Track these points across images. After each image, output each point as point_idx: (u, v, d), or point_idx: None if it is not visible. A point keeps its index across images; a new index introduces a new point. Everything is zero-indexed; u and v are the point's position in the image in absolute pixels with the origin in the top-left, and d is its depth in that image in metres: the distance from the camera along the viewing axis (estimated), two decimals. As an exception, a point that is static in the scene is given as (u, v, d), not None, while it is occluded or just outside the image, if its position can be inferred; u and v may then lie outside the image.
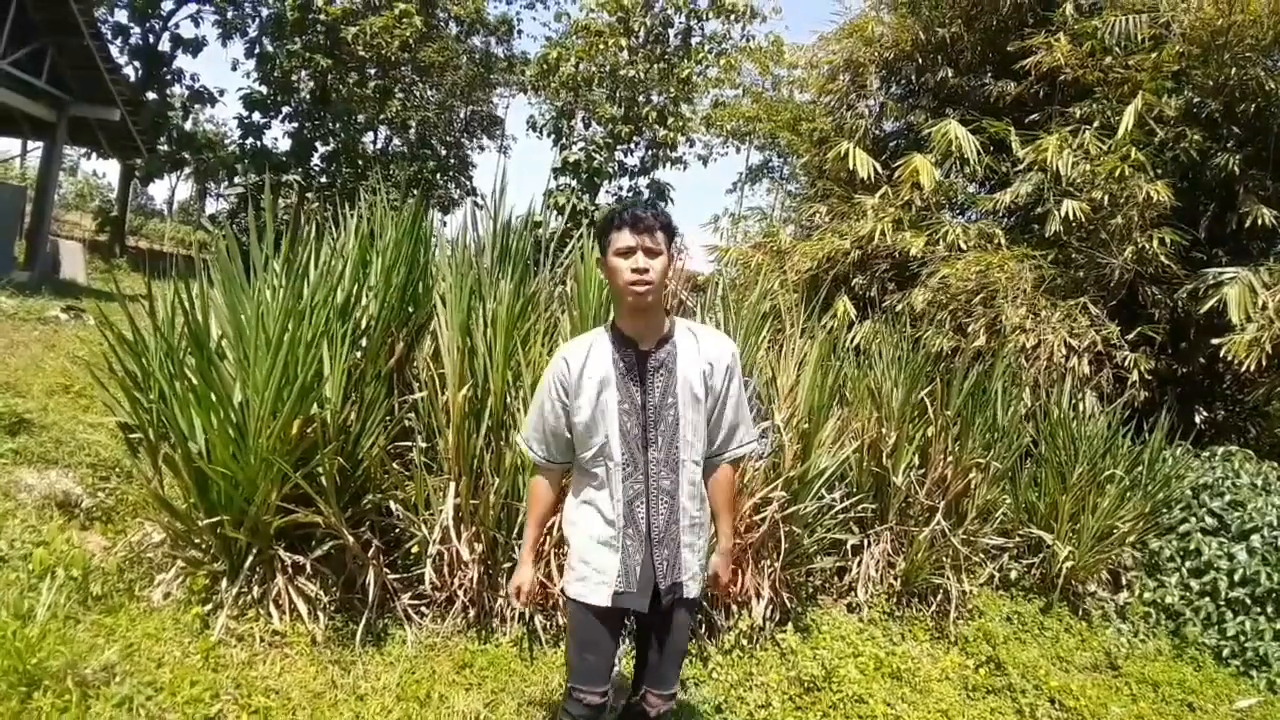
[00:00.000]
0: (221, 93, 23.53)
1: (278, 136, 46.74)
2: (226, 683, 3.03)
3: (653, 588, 2.39)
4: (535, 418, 2.50)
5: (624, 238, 2.27)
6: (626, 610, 2.45)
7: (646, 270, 2.25)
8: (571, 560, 2.48)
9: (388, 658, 3.49)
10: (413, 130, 26.10)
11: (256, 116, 20.90)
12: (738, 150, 20.75)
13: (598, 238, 2.41)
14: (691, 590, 2.44)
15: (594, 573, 2.40)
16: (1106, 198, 7.22)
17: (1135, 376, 7.08)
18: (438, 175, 25.82)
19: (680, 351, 2.38)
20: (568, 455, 2.47)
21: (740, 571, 4.09)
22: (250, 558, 3.44)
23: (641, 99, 18.39)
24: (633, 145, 18.80)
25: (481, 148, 32.27)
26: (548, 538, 3.79)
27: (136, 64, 21.80)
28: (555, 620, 3.84)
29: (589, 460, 2.40)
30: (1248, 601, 5.52)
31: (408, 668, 3.43)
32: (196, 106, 23.98)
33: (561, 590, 2.64)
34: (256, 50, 21.20)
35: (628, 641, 2.94)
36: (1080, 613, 5.65)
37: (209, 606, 3.39)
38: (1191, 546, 5.86)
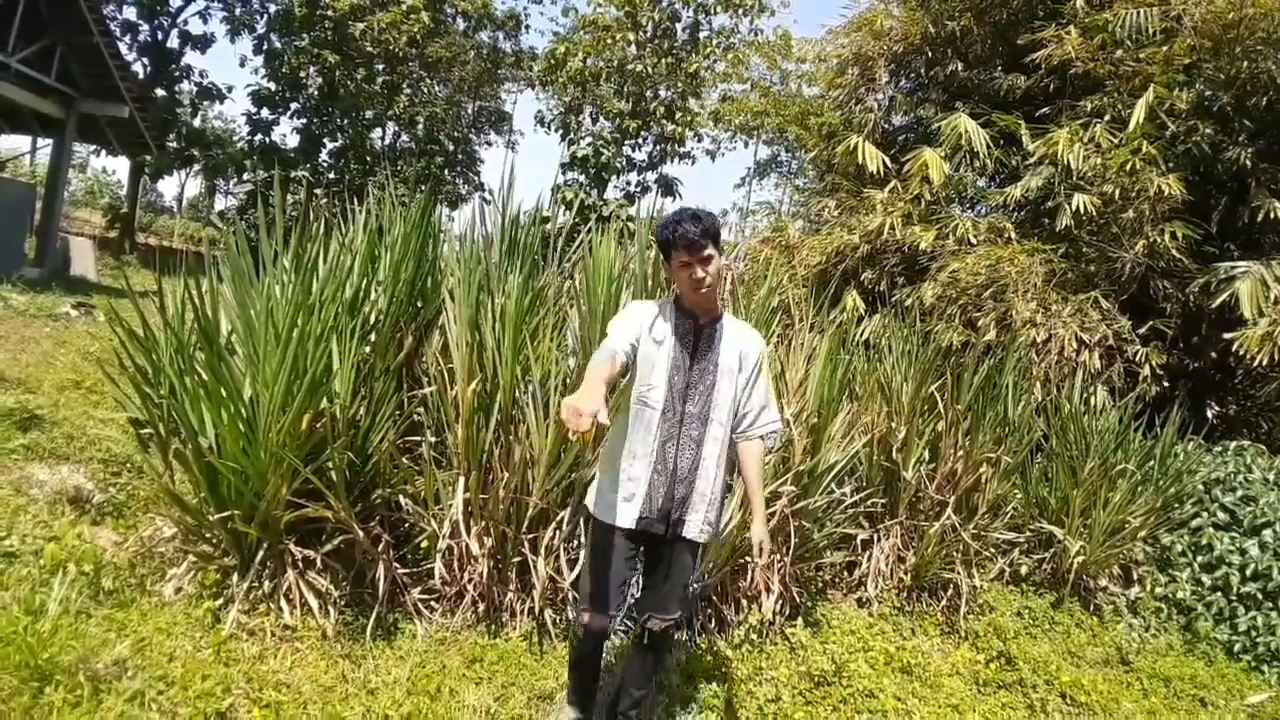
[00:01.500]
0: (230, 89, 23.68)
1: (286, 133, 47.00)
2: (238, 677, 3.03)
3: (667, 518, 2.83)
4: (624, 325, 2.83)
5: (681, 256, 2.77)
6: (641, 539, 2.86)
7: (704, 278, 2.78)
8: (602, 487, 2.91)
9: (398, 652, 3.50)
10: (420, 126, 26.11)
11: (265, 113, 20.96)
12: (746, 145, 20.72)
13: (660, 249, 2.90)
14: (692, 532, 2.86)
15: (622, 500, 2.82)
16: (1117, 191, 7.18)
17: (1147, 371, 7.04)
18: (445, 170, 25.86)
19: (726, 333, 2.92)
20: (627, 365, 2.77)
21: (750, 565, 4.12)
22: (261, 552, 3.45)
23: (649, 94, 18.35)
24: (640, 140, 18.75)
25: (489, 143, 32.31)
26: (557, 532, 3.80)
27: (145, 61, 21.87)
28: (565, 615, 3.84)
29: (637, 398, 2.83)
30: (1259, 596, 5.50)
31: (418, 662, 3.44)
32: (205, 103, 24.09)
33: (586, 520, 3.00)
34: (265, 46, 21.24)
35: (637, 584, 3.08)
36: (1091, 608, 5.63)
37: (220, 601, 3.40)
38: (1203, 541, 5.83)
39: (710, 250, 2.76)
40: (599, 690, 3.19)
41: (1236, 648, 5.40)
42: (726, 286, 4.56)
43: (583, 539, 3.81)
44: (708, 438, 2.85)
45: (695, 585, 3.05)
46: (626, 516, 2.82)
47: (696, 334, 2.88)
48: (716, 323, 2.92)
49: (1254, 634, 5.40)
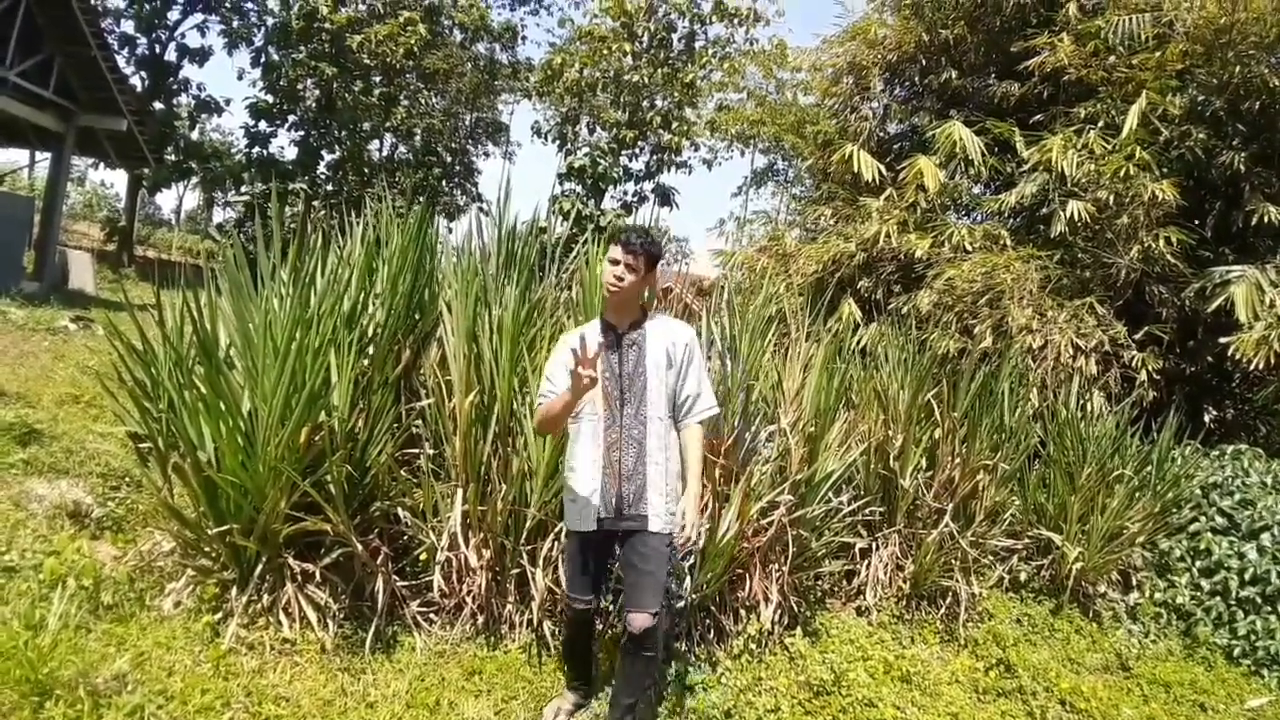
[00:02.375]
0: (228, 102, 23.80)
1: (284, 145, 47.06)
2: (237, 691, 3.04)
3: (621, 514, 3.07)
4: (550, 371, 3.18)
5: (615, 251, 3.07)
6: (610, 535, 3.12)
7: (621, 279, 3.06)
8: (565, 498, 3.20)
9: (397, 665, 3.50)
10: (418, 137, 26.15)
11: (263, 125, 20.99)
12: (742, 154, 20.77)
13: (604, 243, 3.18)
14: (654, 524, 3.05)
15: (580, 508, 3.10)
16: (1112, 197, 7.21)
17: (1143, 376, 7.06)
18: (443, 182, 25.87)
19: (649, 334, 3.16)
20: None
21: (748, 575, 4.12)
22: (260, 566, 3.46)
23: (646, 104, 18.42)
24: (637, 150, 18.81)
25: (486, 154, 32.32)
26: (555, 543, 3.80)
27: (143, 74, 21.95)
28: (563, 627, 3.84)
29: (581, 413, 3.09)
30: (1259, 600, 5.50)
31: (417, 674, 3.44)
32: (203, 116, 24.18)
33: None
34: (262, 59, 21.30)
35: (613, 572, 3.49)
36: (1090, 614, 5.63)
37: (219, 615, 3.41)
38: (1202, 546, 5.84)
39: (636, 261, 3.04)
40: (595, 680, 3.46)
41: (1236, 652, 5.40)
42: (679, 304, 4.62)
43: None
44: (649, 433, 3.09)
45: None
46: (587, 521, 3.09)
47: (619, 341, 3.14)
48: (637, 328, 3.16)
49: (1253, 638, 5.40)
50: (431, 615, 3.81)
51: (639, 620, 3.00)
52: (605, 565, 3.29)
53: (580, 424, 3.13)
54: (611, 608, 3.80)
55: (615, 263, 3.07)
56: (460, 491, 3.78)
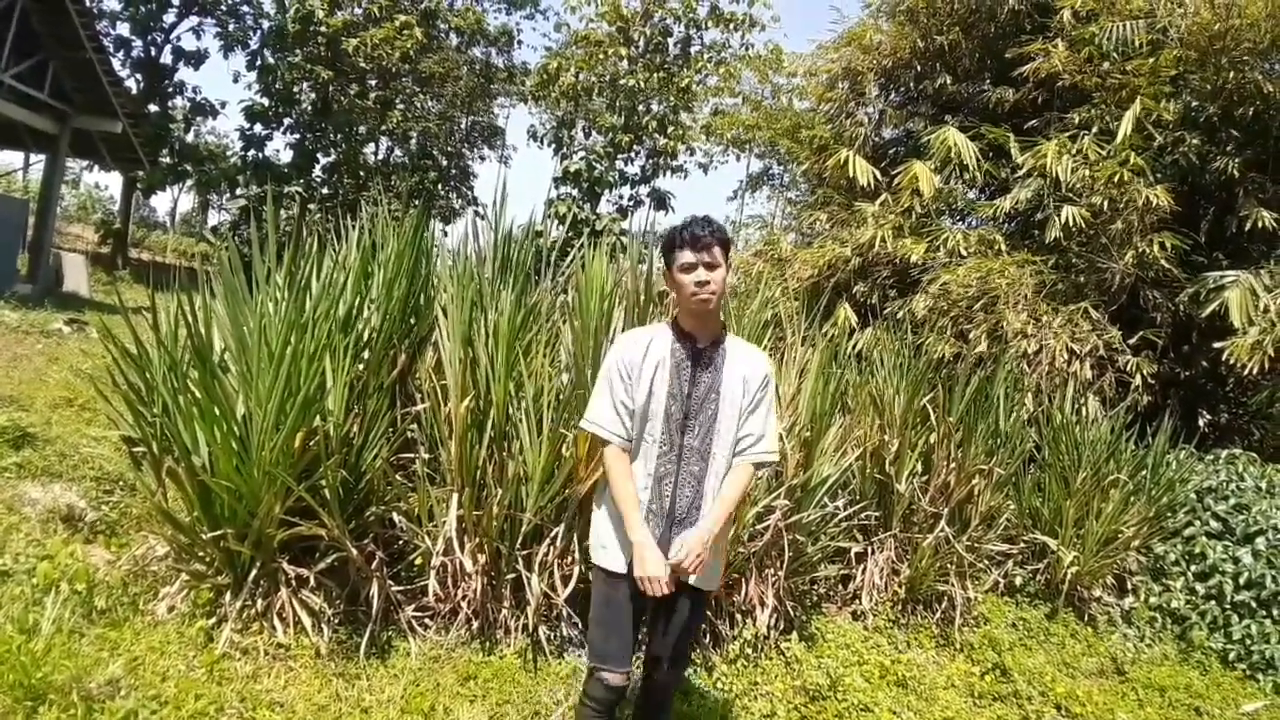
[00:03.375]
0: (223, 105, 23.84)
1: (279, 148, 46.73)
2: (231, 696, 3.03)
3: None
4: (606, 398, 2.62)
5: (685, 256, 2.53)
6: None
7: (708, 283, 2.52)
8: (599, 530, 2.67)
9: (392, 670, 3.49)
10: (414, 141, 26.18)
11: (258, 128, 21.01)
12: (738, 158, 20.76)
13: (662, 253, 2.66)
14: (697, 580, 2.56)
15: (621, 544, 2.58)
16: (1106, 203, 7.23)
17: (1138, 381, 7.08)
18: (439, 186, 25.88)
19: (729, 355, 2.65)
20: (635, 433, 2.61)
21: (744, 580, 4.12)
22: (254, 571, 3.45)
23: (641, 108, 18.44)
24: (633, 154, 18.84)
25: (482, 158, 32.34)
26: (551, 548, 3.79)
27: (138, 77, 21.95)
28: (559, 631, 3.84)
29: (636, 432, 2.60)
30: (1253, 605, 5.52)
31: (412, 680, 3.43)
32: (198, 119, 24.16)
33: (586, 565, 2.78)
34: (258, 62, 21.30)
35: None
36: (1086, 618, 5.64)
37: (213, 620, 3.39)
38: (1196, 550, 5.85)
39: (716, 254, 2.54)
40: None
41: (1231, 656, 5.41)
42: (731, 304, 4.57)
43: (576, 555, 3.81)
44: (709, 473, 2.59)
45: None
46: (617, 559, 2.60)
47: (695, 359, 2.61)
48: (718, 345, 2.65)
49: (1248, 642, 5.41)
50: (426, 620, 3.80)
51: (672, 677, 2.74)
52: (640, 622, 2.70)
53: (640, 447, 2.62)
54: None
55: (691, 267, 2.52)
56: (455, 496, 3.77)
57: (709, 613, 4.13)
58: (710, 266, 2.53)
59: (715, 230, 2.55)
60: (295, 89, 20.86)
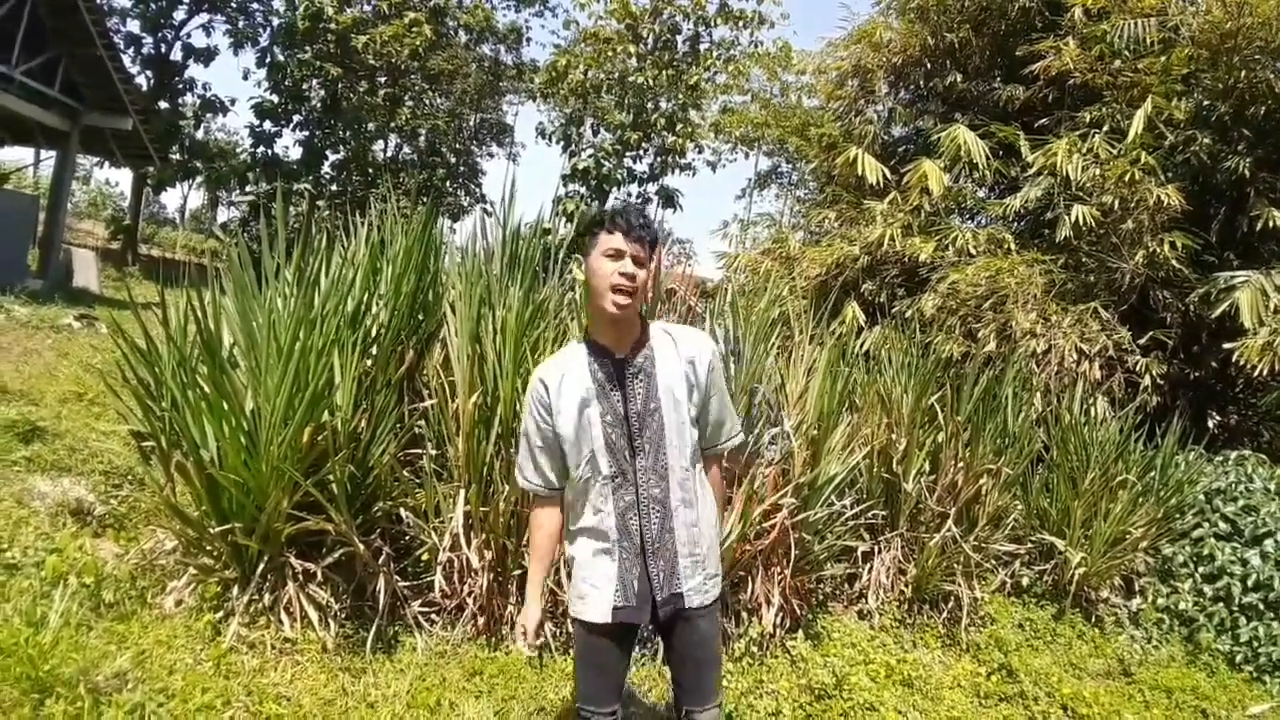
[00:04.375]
0: (233, 102, 23.78)
1: (289, 145, 47.17)
2: (238, 690, 3.04)
3: (651, 601, 2.34)
4: (524, 447, 2.42)
5: (615, 240, 2.23)
6: (632, 626, 2.40)
7: (634, 278, 2.22)
8: (573, 580, 2.43)
9: (398, 665, 3.50)
10: (422, 138, 26.19)
11: (268, 125, 21.04)
12: (746, 156, 20.71)
13: (582, 235, 2.40)
14: (694, 600, 2.36)
15: (592, 589, 2.35)
16: (1117, 202, 7.19)
17: (1147, 381, 7.04)
18: (447, 183, 25.91)
19: (658, 355, 2.35)
20: (563, 478, 2.40)
21: (750, 578, 4.11)
22: (261, 565, 3.46)
23: (650, 105, 18.41)
24: (641, 152, 18.81)
25: (491, 155, 32.38)
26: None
27: (149, 73, 22.00)
28: (565, 627, 3.84)
29: (579, 477, 2.33)
30: (1261, 607, 5.48)
31: (418, 675, 3.44)
32: (208, 115, 24.15)
33: (564, 611, 2.55)
34: (268, 59, 21.32)
35: (646, 654, 2.86)
36: (1093, 619, 5.61)
37: (220, 614, 3.41)
38: (1205, 552, 5.82)
39: (644, 251, 2.25)
40: None
41: (1238, 658, 5.38)
42: (683, 305, 4.53)
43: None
44: (671, 492, 2.33)
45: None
46: (600, 610, 2.33)
47: (620, 373, 2.31)
48: (640, 349, 2.34)
49: (1256, 645, 5.38)
50: (433, 616, 3.81)
51: (709, 717, 2.45)
52: (628, 662, 2.52)
53: (583, 489, 2.34)
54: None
55: (619, 255, 2.22)
56: (463, 492, 3.78)
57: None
58: (638, 262, 2.23)
59: (650, 226, 2.28)
60: (304, 86, 20.89)
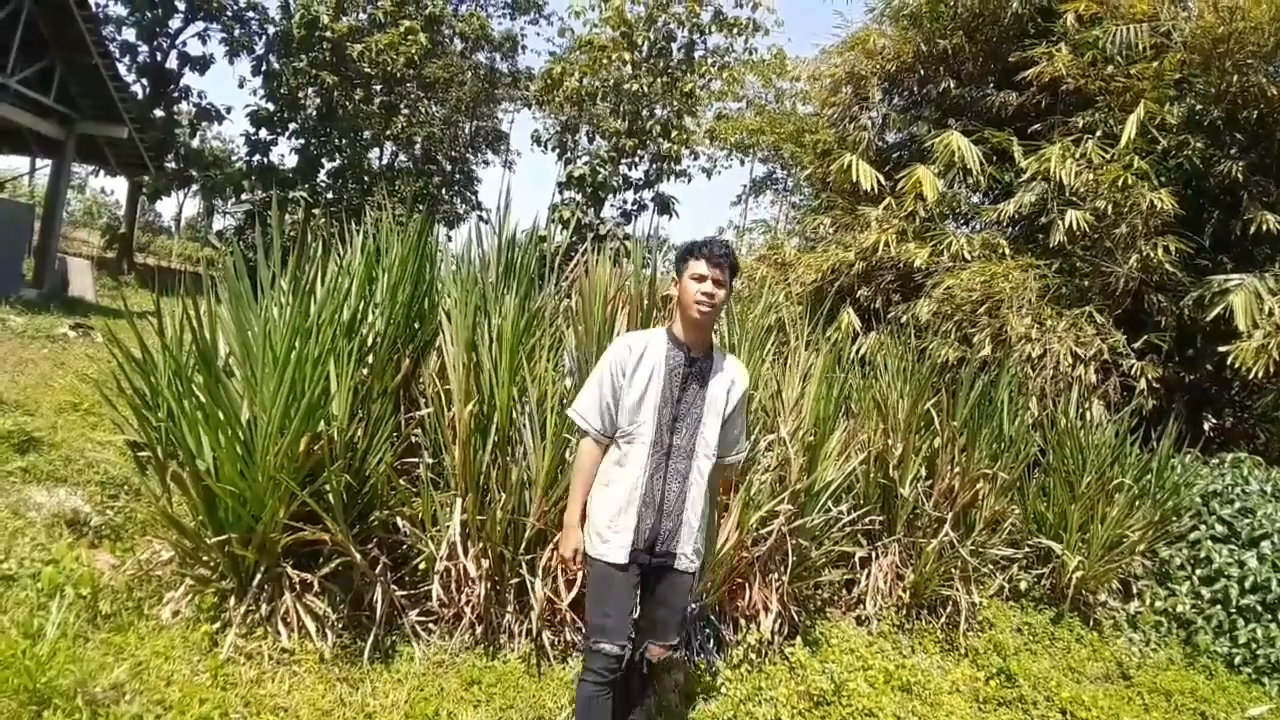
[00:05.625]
0: (228, 110, 23.75)
1: (284, 153, 47.12)
2: (235, 701, 3.03)
3: (653, 549, 2.86)
4: (594, 392, 2.90)
5: (701, 266, 2.82)
6: (639, 566, 2.86)
7: (713, 296, 2.81)
8: (596, 525, 2.88)
9: (396, 675, 3.49)
10: (418, 146, 26.23)
11: (263, 133, 21.04)
12: (741, 163, 20.84)
13: (677, 260, 2.95)
14: (682, 564, 2.89)
15: (615, 535, 2.82)
16: (1110, 207, 7.22)
17: (1142, 384, 7.06)
18: (443, 190, 25.97)
19: (714, 366, 2.94)
20: (613, 431, 2.89)
21: (748, 585, 4.11)
22: (258, 575, 3.45)
23: (645, 113, 18.43)
24: (637, 159, 18.81)
25: (486, 163, 32.46)
26: (554, 553, 3.79)
27: (144, 82, 22.00)
28: (563, 637, 3.83)
29: (626, 434, 2.85)
30: (1259, 609, 5.49)
31: (416, 685, 3.43)
32: (204, 124, 24.23)
33: (584, 557, 2.94)
34: (263, 68, 21.35)
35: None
36: (1091, 623, 5.62)
37: (217, 624, 3.40)
38: (1202, 554, 5.83)
39: (726, 275, 2.84)
40: None
41: (1237, 660, 5.39)
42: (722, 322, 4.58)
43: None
44: (693, 470, 2.88)
45: (694, 606, 3.12)
46: (618, 551, 2.82)
47: (688, 367, 2.88)
48: (708, 357, 2.93)
49: (1254, 646, 5.39)
50: (430, 625, 3.80)
51: (659, 652, 2.96)
52: (635, 602, 2.97)
53: (629, 445, 2.86)
54: None
55: (702, 279, 2.81)
56: (459, 501, 3.78)
57: (712, 617, 4.14)
58: (719, 284, 2.81)
59: (731, 255, 2.86)
60: (300, 94, 20.91)
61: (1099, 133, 7.65)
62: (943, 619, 5.05)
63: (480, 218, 24.53)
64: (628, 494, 2.83)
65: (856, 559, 4.98)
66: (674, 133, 18.31)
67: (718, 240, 2.91)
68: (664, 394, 2.84)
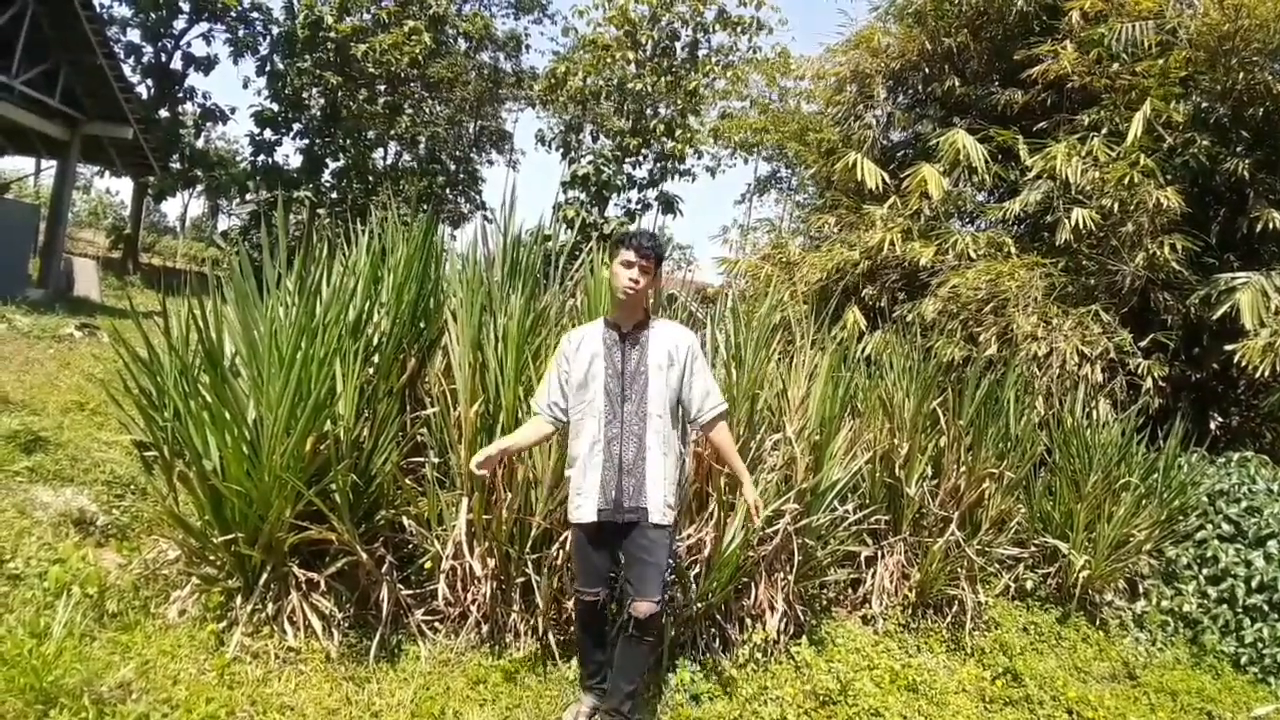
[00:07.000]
0: (233, 110, 23.79)
1: (289, 153, 47.25)
2: (242, 700, 3.03)
3: (621, 507, 3.19)
4: (548, 381, 3.38)
5: (629, 255, 3.22)
6: (612, 527, 3.20)
7: (637, 281, 3.21)
8: (569, 490, 3.31)
9: (402, 674, 3.49)
10: (422, 146, 26.26)
11: (268, 133, 21.11)
12: (746, 162, 20.81)
13: (610, 247, 3.42)
14: (654, 516, 3.19)
15: (583, 497, 3.22)
16: (1116, 205, 7.20)
17: (1149, 383, 7.04)
18: (447, 190, 25.99)
19: (653, 335, 3.31)
20: (560, 412, 3.34)
21: (754, 584, 4.11)
22: (265, 574, 3.46)
23: (649, 112, 18.46)
24: (641, 158, 18.84)
25: (490, 162, 32.49)
26: (560, 551, 3.79)
27: (149, 82, 22.03)
28: (569, 635, 3.83)
29: (582, 409, 3.26)
30: (1265, 608, 5.48)
31: (422, 684, 3.43)
32: (208, 124, 24.20)
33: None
34: (268, 68, 21.40)
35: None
36: (1097, 622, 5.60)
37: (224, 623, 3.40)
38: (1208, 554, 5.81)
39: (648, 264, 3.21)
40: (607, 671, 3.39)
41: (1243, 660, 5.38)
42: (683, 311, 4.60)
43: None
44: (649, 430, 3.22)
45: (671, 563, 3.36)
46: (588, 513, 3.20)
47: (623, 341, 3.28)
48: (641, 330, 3.30)
49: (1260, 646, 5.37)
50: (436, 624, 3.80)
51: (643, 607, 3.14)
52: (611, 558, 3.34)
53: (583, 420, 3.26)
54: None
55: (630, 265, 3.21)
56: (465, 500, 3.78)
57: (718, 616, 4.13)
58: (644, 271, 3.21)
59: (655, 246, 3.26)
60: (304, 94, 20.96)
61: (1105, 130, 7.63)
62: (948, 618, 5.05)
63: (485, 217, 24.51)
64: (588, 459, 3.21)
65: (862, 558, 4.97)
66: (678, 132, 18.34)
67: (646, 233, 3.35)
68: (608, 369, 3.24)
